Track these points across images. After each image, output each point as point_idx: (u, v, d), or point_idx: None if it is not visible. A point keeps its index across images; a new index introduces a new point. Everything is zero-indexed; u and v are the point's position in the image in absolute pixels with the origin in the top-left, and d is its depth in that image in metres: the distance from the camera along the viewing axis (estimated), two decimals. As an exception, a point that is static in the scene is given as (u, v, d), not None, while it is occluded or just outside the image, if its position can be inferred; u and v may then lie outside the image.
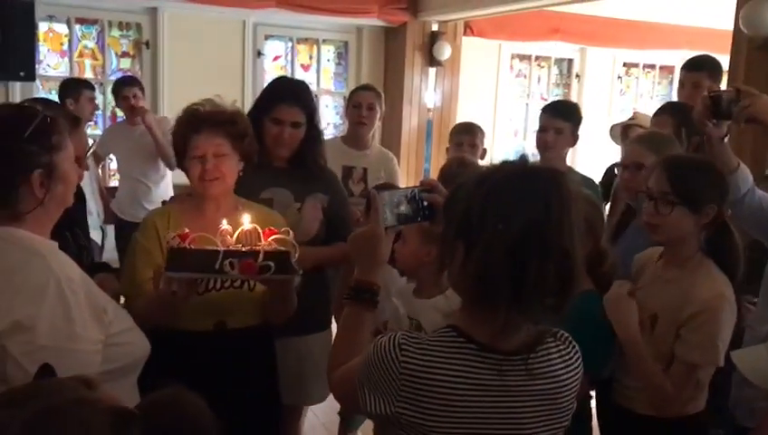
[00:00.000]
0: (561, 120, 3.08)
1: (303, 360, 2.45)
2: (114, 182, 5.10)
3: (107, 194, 4.76)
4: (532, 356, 1.25)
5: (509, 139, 7.57)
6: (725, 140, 2.15)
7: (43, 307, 1.42)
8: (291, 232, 1.88)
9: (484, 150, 3.74)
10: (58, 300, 1.43)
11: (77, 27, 5.99)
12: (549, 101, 3.88)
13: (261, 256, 1.78)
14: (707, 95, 2.14)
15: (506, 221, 1.17)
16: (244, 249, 1.80)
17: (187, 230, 1.85)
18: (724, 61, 3.49)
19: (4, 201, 1.50)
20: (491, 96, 7.28)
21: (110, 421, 1.00)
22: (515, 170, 1.25)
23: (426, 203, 1.52)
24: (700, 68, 3.14)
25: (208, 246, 1.81)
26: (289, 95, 2.46)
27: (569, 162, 3.47)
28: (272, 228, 1.86)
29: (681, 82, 3.22)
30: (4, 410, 0.99)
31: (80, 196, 2.07)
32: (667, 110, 2.91)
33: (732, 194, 2.06)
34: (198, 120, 2.05)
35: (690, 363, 1.89)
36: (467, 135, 3.71)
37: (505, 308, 1.19)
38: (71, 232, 2.15)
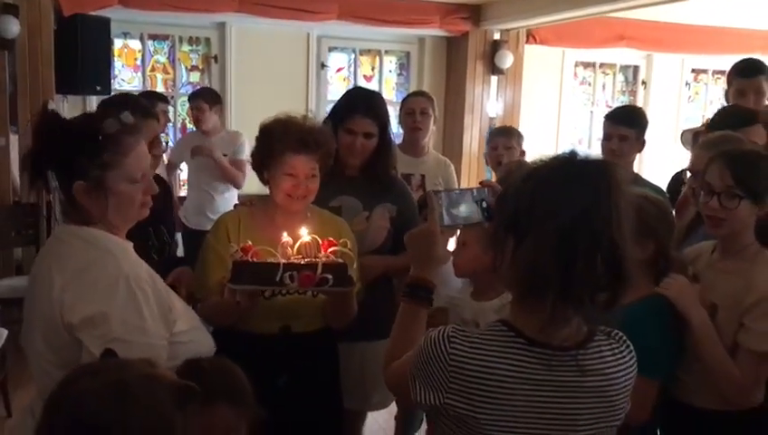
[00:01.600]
0: (625, 126, 3.04)
1: (367, 365, 2.48)
2: (184, 192, 5.27)
3: (178, 202, 4.92)
4: (582, 352, 1.25)
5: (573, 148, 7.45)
6: None
7: (115, 302, 1.50)
8: (349, 243, 1.94)
9: (523, 152, 3.71)
10: (128, 296, 1.51)
11: (149, 43, 6.24)
12: (612, 108, 3.82)
13: (319, 268, 1.85)
14: None
15: (554, 210, 1.18)
16: (303, 262, 1.87)
17: (249, 243, 1.93)
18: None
19: (73, 205, 1.58)
20: (554, 104, 7.21)
21: (173, 393, 1.10)
22: (563, 162, 1.25)
23: (485, 205, 1.54)
24: (759, 72, 3.05)
25: (269, 259, 1.88)
26: (363, 106, 2.52)
27: (635, 170, 3.41)
28: (330, 239, 1.93)
29: (740, 90, 3.12)
30: (77, 382, 1.08)
31: (166, 191, 2.17)
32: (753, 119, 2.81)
33: None
34: (298, 140, 2.08)
35: (756, 352, 1.87)
36: (502, 137, 3.72)
37: (553, 300, 1.19)
38: (154, 228, 2.25)
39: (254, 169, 2.22)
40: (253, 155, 2.21)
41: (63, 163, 1.56)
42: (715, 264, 2.03)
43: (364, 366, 2.48)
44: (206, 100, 4.69)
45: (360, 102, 2.56)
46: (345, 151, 2.48)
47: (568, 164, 1.24)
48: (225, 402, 1.50)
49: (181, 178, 5.41)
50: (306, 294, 2.05)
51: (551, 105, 7.17)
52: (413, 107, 3.58)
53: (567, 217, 1.18)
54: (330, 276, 1.86)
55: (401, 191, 2.66)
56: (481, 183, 1.61)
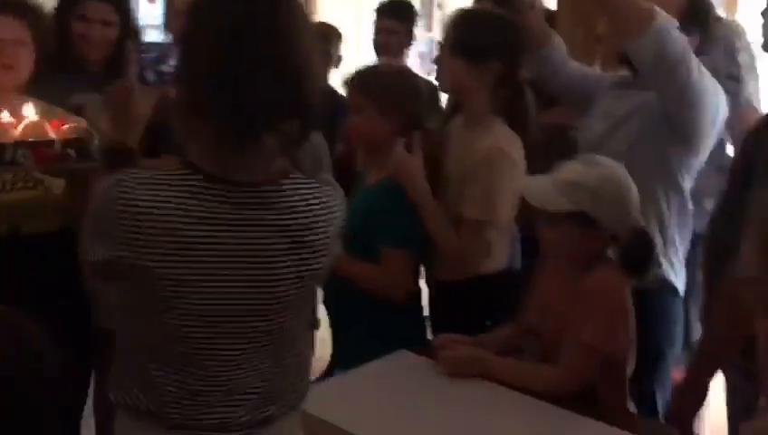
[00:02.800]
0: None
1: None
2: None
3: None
4: (270, 188, 1.16)
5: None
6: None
7: None
8: (84, 122, 1.79)
9: None
10: None
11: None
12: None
13: (57, 144, 1.66)
14: None
15: (206, 19, 1.12)
16: (33, 139, 1.65)
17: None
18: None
19: None
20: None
21: None
22: None
23: None
24: None
25: None
26: None
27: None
28: (62, 118, 1.74)
29: None
30: None
31: None
32: None
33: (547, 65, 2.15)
34: None
35: (468, 219, 1.93)
36: None
37: (217, 127, 1.10)
38: None
39: None
40: None
41: None
42: (457, 134, 2.08)
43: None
44: None
45: None
46: (81, 43, 2.22)
47: None
48: None
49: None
50: (37, 190, 1.84)
51: None
52: None
53: (221, 26, 1.09)
54: (71, 151, 1.66)
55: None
56: None
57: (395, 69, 2.09)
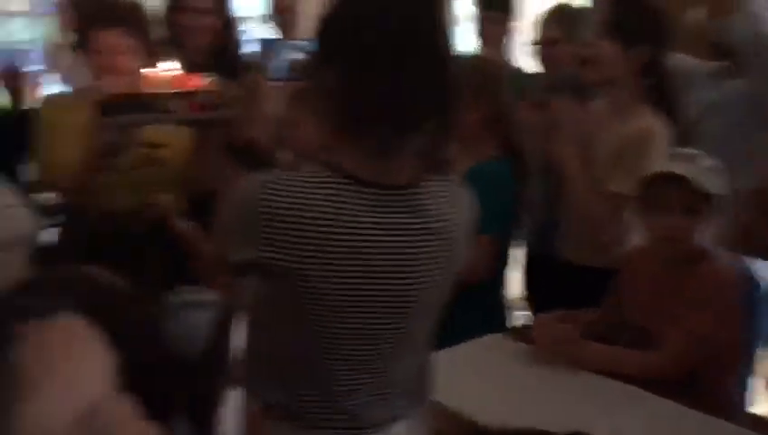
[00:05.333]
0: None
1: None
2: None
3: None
4: (414, 191, 1.12)
5: None
6: None
7: None
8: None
9: None
10: None
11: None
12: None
13: (200, 95, 1.71)
14: None
15: (365, 24, 1.05)
16: (189, 90, 1.73)
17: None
18: None
19: None
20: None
21: None
22: None
23: None
24: None
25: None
26: None
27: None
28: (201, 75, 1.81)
29: None
30: None
31: None
32: None
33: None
34: (99, 15, 1.99)
35: (616, 193, 1.92)
36: None
37: (378, 130, 1.06)
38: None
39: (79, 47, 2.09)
40: None
41: None
42: (604, 117, 2.05)
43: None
44: None
45: None
46: (183, 33, 2.32)
47: None
48: None
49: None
50: (156, 165, 1.96)
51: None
52: None
53: (381, 30, 1.04)
54: (210, 102, 1.71)
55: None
56: None
57: (481, 59, 2.08)
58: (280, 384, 1.18)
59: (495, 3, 3.03)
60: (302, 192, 1.06)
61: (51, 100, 2.21)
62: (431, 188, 1.14)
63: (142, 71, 1.78)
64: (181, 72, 1.78)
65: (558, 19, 2.44)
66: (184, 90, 1.74)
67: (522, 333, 1.87)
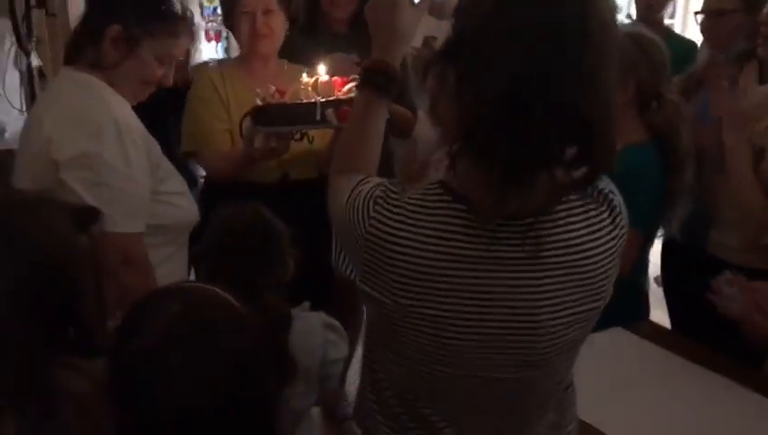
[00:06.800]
0: None
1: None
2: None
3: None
4: (541, 220, 0.95)
5: None
6: None
7: (104, 145, 1.49)
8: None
9: None
10: (117, 142, 1.51)
11: None
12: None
13: (350, 102, 1.76)
14: None
15: (511, 41, 0.87)
16: (333, 98, 1.84)
17: (274, 88, 1.90)
18: None
19: (92, 41, 1.58)
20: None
21: (72, 214, 1.09)
22: None
23: None
24: None
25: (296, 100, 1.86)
26: None
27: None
28: (343, 78, 1.88)
29: None
30: None
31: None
32: None
33: None
34: None
35: None
36: None
37: (502, 162, 0.89)
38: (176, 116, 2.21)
39: (225, 26, 2.23)
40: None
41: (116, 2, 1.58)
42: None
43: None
44: None
45: None
46: (325, 3, 2.32)
47: None
48: None
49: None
50: (302, 141, 2.03)
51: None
52: None
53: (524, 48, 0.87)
54: None
55: None
56: None
57: (637, 34, 1.98)
58: (391, 416, 1.13)
59: None
60: (412, 219, 0.96)
61: (200, 68, 2.32)
62: (564, 215, 0.97)
63: (304, 79, 1.87)
64: (328, 78, 1.85)
65: None
66: (333, 98, 1.83)
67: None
